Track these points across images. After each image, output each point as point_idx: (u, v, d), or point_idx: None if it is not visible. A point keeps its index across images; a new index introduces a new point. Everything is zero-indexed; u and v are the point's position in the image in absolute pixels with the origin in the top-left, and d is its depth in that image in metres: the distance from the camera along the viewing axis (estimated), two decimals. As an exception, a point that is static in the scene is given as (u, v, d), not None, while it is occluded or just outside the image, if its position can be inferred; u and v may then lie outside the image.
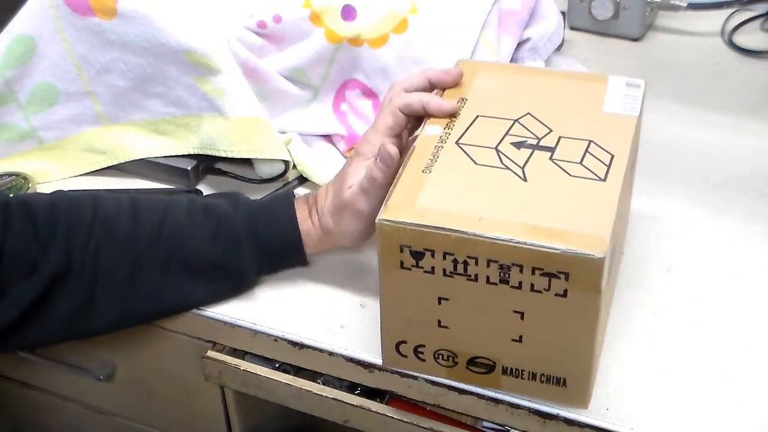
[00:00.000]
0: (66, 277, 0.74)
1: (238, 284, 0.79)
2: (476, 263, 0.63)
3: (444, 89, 0.77)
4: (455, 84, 0.77)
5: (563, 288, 0.62)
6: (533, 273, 0.62)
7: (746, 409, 0.68)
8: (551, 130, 0.71)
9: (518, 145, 0.70)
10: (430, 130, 0.72)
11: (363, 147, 0.76)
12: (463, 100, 0.75)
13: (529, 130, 0.72)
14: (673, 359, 0.72)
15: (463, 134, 0.72)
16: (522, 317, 0.64)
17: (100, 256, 0.75)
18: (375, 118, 0.77)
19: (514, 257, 0.61)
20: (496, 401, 0.70)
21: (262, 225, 0.78)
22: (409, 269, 0.65)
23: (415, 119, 0.76)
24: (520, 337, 0.65)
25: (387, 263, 0.65)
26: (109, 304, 0.76)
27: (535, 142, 0.70)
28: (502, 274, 0.63)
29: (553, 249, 0.60)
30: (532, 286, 0.62)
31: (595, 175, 0.67)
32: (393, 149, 0.70)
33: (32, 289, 0.73)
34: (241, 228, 0.77)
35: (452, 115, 0.74)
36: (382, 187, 0.71)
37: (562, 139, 0.70)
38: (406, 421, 0.76)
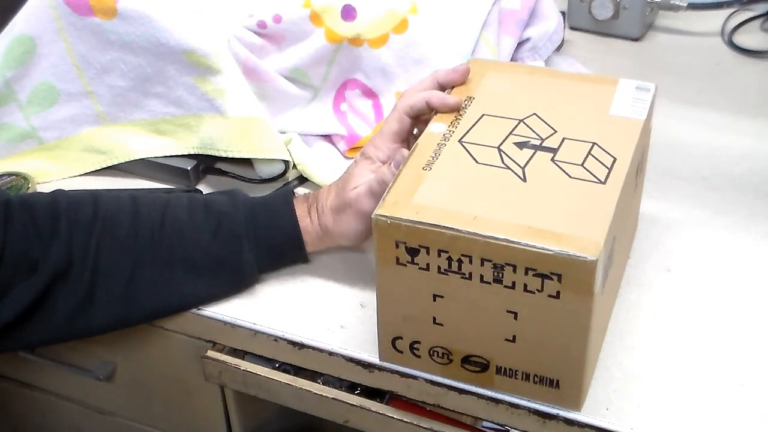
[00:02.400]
0: (67, 275, 0.74)
1: (238, 280, 0.80)
2: (470, 262, 0.63)
3: (452, 87, 0.77)
4: (464, 81, 0.77)
5: (556, 289, 0.62)
6: (526, 273, 0.62)
7: (745, 408, 0.68)
8: (556, 131, 0.72)
9: (521, 145, 0.70)
10: (434, 127, 0.73)
11: (369, 151, 0.77)
12: (470, 98, 0.76)
13: (533, 131, 0.72)
14: (673, 359, 0.72)
15: (466, 132, 0.72)
16: (515, 317, 0.64)
17: (101, 254, 0.75)
18: (383, 123, 0.77)
19: (507, 257, 0.62)
20: (496, 401, 0.70)
21: (261, 220, 0.78)
22: (405, 265, 0.65)
23: (423, 123, 0.76)
24: (514, 337, 0.65)
25: (383, 259, 0.65)
26: (109, 302, 0.76)
27: (538, 142, 0.70)
28: (495, 274, 0.63)
29: (546, 250, 0.60)
30: (525, 286, 0.62)
31: (596, 177, 0.67)
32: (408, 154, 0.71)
33: (33, 287, 0.73)
34: (241, 224, 0.77)
35: (457, 111, 0.74)
36: None
37: (565, 140, 0.70)
38: (406, 421, 0.76)
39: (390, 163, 0.72)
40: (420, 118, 0.77)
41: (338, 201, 0.76)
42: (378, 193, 0.73)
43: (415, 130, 0.78)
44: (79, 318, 0.76)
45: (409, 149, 0.75)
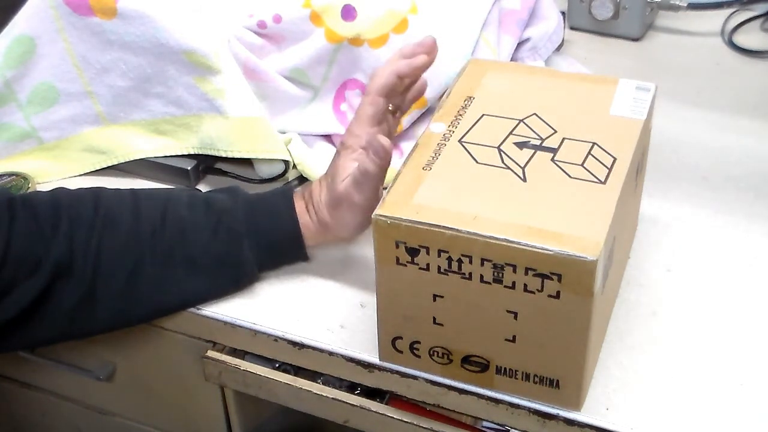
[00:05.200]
0: (68, 272, 0.75)
1: (238, 277, 0.80)
2: (470, 262, 0.63)
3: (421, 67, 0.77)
4: (431, 54, 0.76)
5: (556, 289, 0.62)
6: (526, 273, 0.62)
7: (745, 408, 0.68)
8: (556, 131, 0.72)
9: (521, 145, 0.70)
10: (434, 127, 0.73)
11: (349, 140, 0.77)
12: (470, 98, 0.76)
13: (533, 131, 0.72)
14: (673, 359, 0.72)
15: (466, 132, 0.72)
16: (515, 317, 0.64)
17: (102, 251, 0.75)
18: (357, 109, 0.77)
19: (507, 257, 0.62)
20: (496, 401, 0.70)
21: (261, 218, 0.78)
22: (405, 265, 0.65)
23: (400, 96, 0.76)
24: (514, 337, 0.65)
25: (383, 259, 0.66)
26: (111, 299, 0.76)
27: (538, 142, 0.70)
28: (495, 274, 0.63)
29: (546, 250, 0.60)
30: (525, 286, 0.62)
31: (596, 177, 0.67)
32: (385, 140, 0.71)
33: (35, 285, 0.74)
34: (241, 221, 0.77)
35: (455, 108, 0.74)
36: (375, 179, 0.72)
37: (565, 140, 0.70)
38: (406, 421, 0.76)
39: (369, 152, 0.72)
40: (394, 95, 0.76)
41: (331, 196, 0.76)
42: (362, 183, 0.73)
43: (390, 106, 0.78)
44: (81, 315, 0.76)
45: (388, 130, 0.75)
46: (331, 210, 0.76)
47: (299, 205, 0.78)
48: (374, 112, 0.76)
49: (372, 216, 0.64)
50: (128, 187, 0.92)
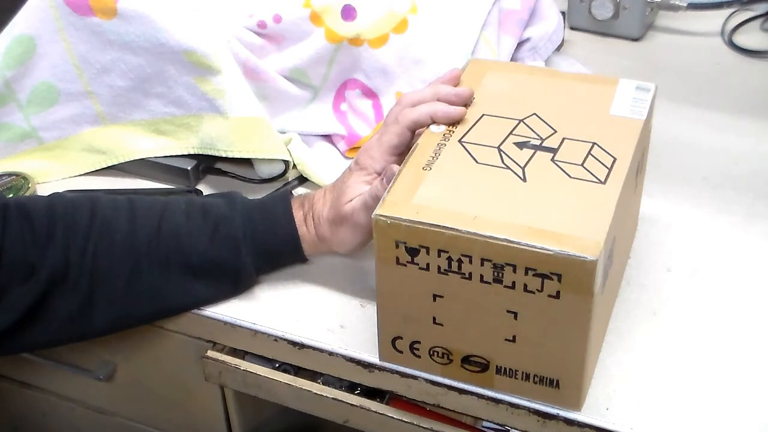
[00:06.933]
0: (64, 280, 0.74)
1: (237, 283, 0.79)
2: (470, 262, 0.63)
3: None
4: (467, 105, 0.75)
5: (556, 289, 0.62)
6: (526, 273, 0.62)
7: (746, 409, 0.68)
8: (556, 131, 0.72)
9: (521, 145, 0.70)
10: (434, 127, 0.73)
11: (365, 160, 0.76)
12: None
13: (533, 131, 0.72)
14: (673, 359, 0.72)
15: (466, 133, 0.72)
16: (515, 317, 0.64)
17: (99, 259, 0.75)
18: (380, 133, 0.76)
19: (507, 257, 0.62)
20: (496, 401, 0.70)
21: (259, 224, 0.78)
22: (405, 265, 0.65)
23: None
24: (514, 337, 0.65)
25: (383, 258, 0.66)
26: (108, 306, 0.76)
27: (538, 142, 0.70)
28: (495, 274, 0.63)
29: (546, 250, 0.60)
30: (525, 286, 0.62)
31: (596, 177, 0.67)
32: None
33: (30, 292, 0.73)
34: (239, 228, 0.77)
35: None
36: None
37: (565, 140, 0.70)
38: (406, 421, 0.76)
39: (383, 179, 0.71)
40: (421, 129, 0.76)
41: (334, 213, 0.76)
42: (372, 207, 0.72)
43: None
44: (78, 322, 0.76)
45: (401, 159, 0.74)
46: (333, 227, 0.76)
47: (297, 215, 0.78)
48: (399, 143, 0.75)
49: (372, 216, 0.64)
50: (128, 187, 0.93)
